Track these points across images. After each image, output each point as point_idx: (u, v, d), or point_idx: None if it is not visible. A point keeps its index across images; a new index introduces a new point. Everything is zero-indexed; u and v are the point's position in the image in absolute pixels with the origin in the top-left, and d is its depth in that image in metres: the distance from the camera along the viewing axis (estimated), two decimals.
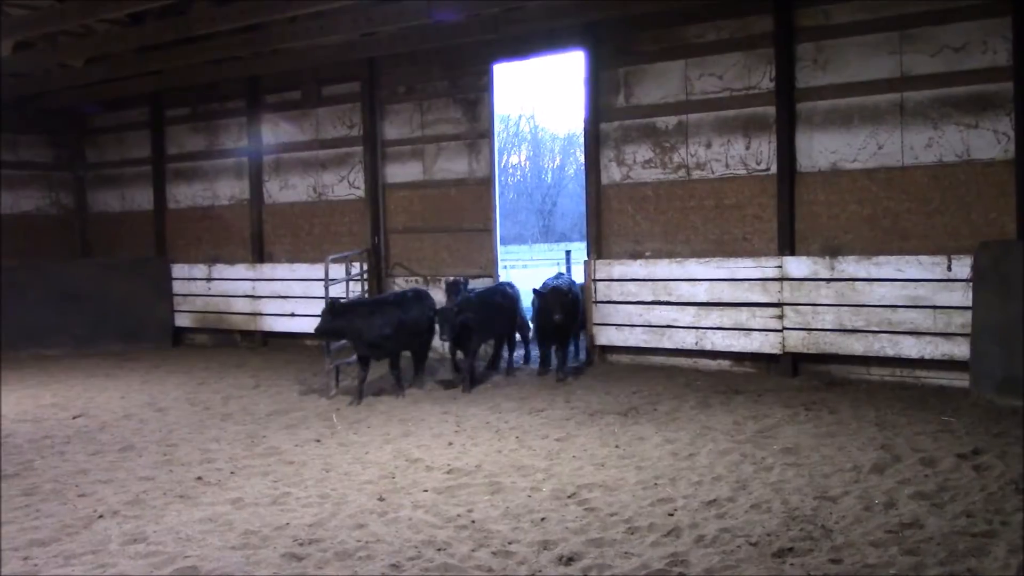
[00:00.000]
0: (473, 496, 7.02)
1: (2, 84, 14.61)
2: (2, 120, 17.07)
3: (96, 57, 14.88)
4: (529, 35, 13.25)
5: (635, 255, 12.80)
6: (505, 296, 12.53)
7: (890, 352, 10.87)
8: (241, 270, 16.70)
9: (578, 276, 14.37)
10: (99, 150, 19.04)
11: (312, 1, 11.52)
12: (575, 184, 50.36)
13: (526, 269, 27.69)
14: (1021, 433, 8.23)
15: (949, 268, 10.45)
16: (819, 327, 11.32)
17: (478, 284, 13.81)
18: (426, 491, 7.18)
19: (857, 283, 11.06)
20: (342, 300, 11.02)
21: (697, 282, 12.18)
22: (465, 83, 14.33)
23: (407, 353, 11.83)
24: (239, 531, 6.31)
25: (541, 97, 75.20)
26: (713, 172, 12.20)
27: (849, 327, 11.11)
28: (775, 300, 11.62)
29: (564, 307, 11.69)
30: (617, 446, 8.43)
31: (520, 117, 57.94)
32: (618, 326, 12.82)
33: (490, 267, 14.18)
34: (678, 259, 12.37)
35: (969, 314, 10.17)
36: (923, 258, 10.64)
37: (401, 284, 14.94)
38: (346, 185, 15.62)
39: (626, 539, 5.96)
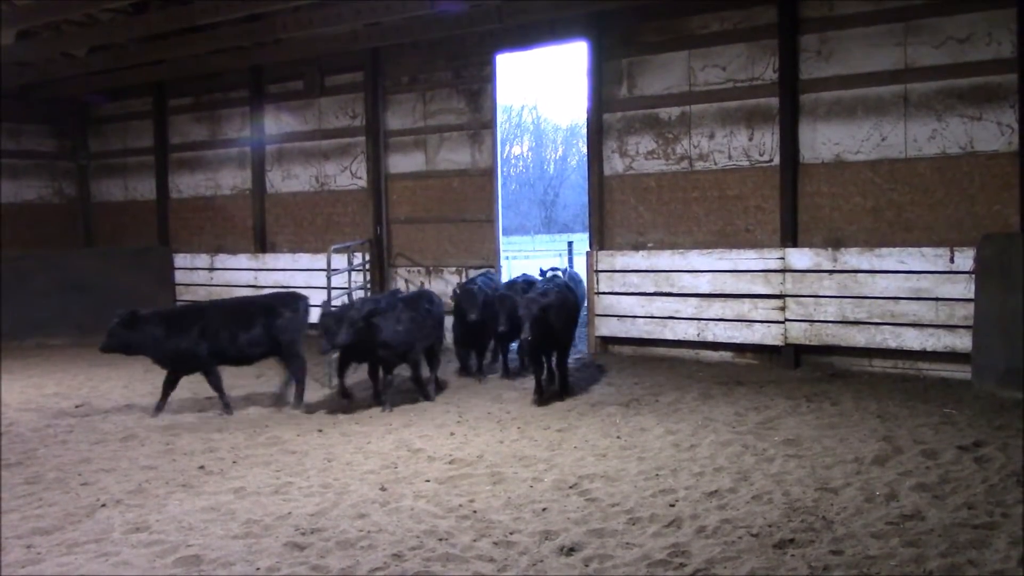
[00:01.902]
0: (475, 486, 7.03)
1: (4, 73, 14.60)
2: (5, 109, 17.07)
3: (99, 46, 14.87)
4: (532, 25, 13.22)
5: (637, 246, 12.79)
6: (431, 303, 10.83)
7: (892, 344, 10.87)
8: (244, 260, 16.72)
9: (578, 268, 14.34)
10: (102, 139, 19.05)
11: None
12: (577, 175, 50.39)
13: (528, 260, 27.68)
14: (1022, 425, 8.24)
15: (952, 260, 10.44)
16: (821, 319, 11.31)
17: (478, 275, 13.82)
18: (428, 481, 7.19)
19: (860, 275, 11.05)
20: (139, 311, 9.84)
21: (699, 273, 12.17)
22: (468, 73, 14.31)
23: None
24: (241, 520, 6.32)
25: (544, 88, 75.14)
26: (716, 163, 12.18)
27: (851, 319, 11.10)
28: (777, 292, 11.61)
29: (539, 324, 9.70)
30: (619, 437, 8.44)
31: (523, 108, 57.97)
32: (620, 317, 12.82)
33: (492, 258, 14.17)
34: (680, 250, 12.36)
35: (971, 306, 10.17)
36: (926, 250, 10.63)
37: (403, 274, 14.97)
38: (348, 175, 15.62)
39: (627, 529, 5.97)
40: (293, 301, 10.64)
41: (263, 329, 10.21)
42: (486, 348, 12.15)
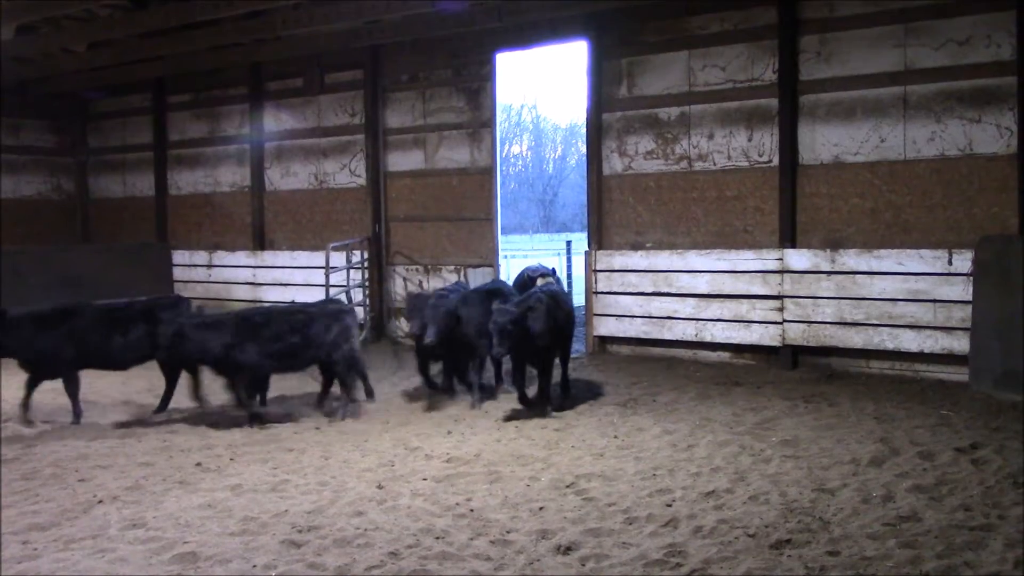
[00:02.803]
0: (472, 485, 7.03)
1: (4, 68, 14.59)
2: (4, 104, 17.06)
3: (99, 42, 14.86)
4: (532, 24, 13.22)
5: (636, 246, 12.79)
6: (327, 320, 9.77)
7: (890, 345, 10.87)
8: (242, 257, 16.72)
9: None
10: (101, 135, 19.04)
11: None
12: (576, 174, 50.42)
13: (527, 259, 27.68)
14: (1020, 427, 8.25)
15: (950, 262, 10.45)
16: (819, 320, 11.31)
17: (478, 273, 13.84)
18: (425, 479, 7.19)
19: (858, 276, 11.05)
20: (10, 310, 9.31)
21: (698, 274, 12.17)
22: (468, 72, 14.30)
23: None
24: (238, 517, 6.32)
25: (543, 87, 75.14)
26: (715, 164, 12.18)
27: (849, 320, 11.11)
28: (775, 292, 11.61)
29: (505, 335, 8.92)
30: (616, 436, 8.44)
31: (522, 107, 58.01)
32: (618, 317, 12.82)
33: (491, 256, 14.17)
34: (679, 250, 12.36)
35: (969, 308, 10.17)
36: (924, 252, 10.63)
37: (401, 272, 14.97)
38: (347, 173, 15.61)
39: (624, 529, 5.97)
40: (174, 305, 10.14)
41: (141, 334, 9.68)
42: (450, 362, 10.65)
